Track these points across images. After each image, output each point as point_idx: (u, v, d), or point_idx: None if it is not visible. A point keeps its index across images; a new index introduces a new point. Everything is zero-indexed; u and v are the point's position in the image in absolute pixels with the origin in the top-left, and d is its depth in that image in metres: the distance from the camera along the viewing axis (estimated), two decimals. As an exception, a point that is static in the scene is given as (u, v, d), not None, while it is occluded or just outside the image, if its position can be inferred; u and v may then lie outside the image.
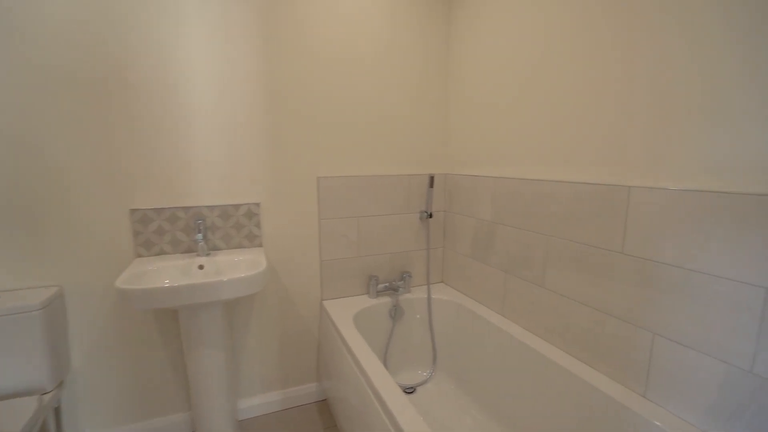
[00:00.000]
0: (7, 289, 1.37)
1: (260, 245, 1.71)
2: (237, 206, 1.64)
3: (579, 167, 1.27)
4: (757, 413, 0.86)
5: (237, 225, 1.66)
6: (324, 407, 1.88)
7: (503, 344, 1.56)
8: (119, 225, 1.49)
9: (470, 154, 1.83)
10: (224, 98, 1.56)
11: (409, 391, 1.82)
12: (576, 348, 1.31)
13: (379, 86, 1.80)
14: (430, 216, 1.91)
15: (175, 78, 1.47)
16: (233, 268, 1.55)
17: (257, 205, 1.68)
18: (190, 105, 1.51)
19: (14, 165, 1.33)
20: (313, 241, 1.81)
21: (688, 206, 0.97)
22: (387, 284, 1.93)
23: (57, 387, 1.40)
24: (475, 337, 1.73)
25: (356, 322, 1.72)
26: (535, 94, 1.43)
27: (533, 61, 1.43)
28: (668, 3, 0.99)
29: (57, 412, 1.49)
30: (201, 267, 1.52)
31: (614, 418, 1.10)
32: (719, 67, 0.90)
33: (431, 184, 1.86)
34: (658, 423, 1.00)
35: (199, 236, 1.53)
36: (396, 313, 1.91)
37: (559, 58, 1.32)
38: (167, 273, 1.45)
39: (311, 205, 1.78)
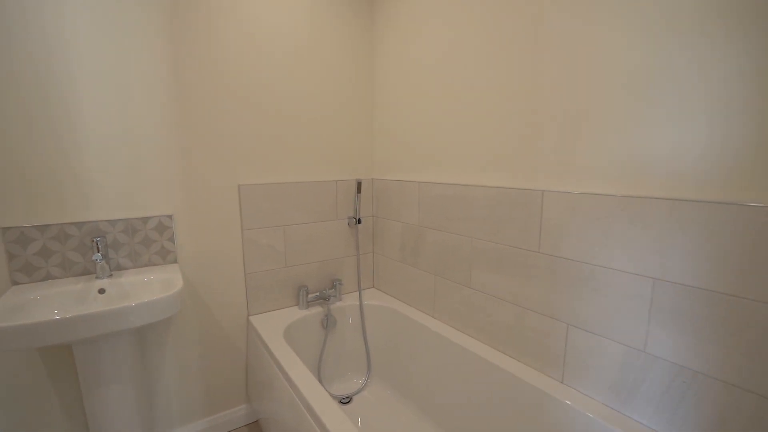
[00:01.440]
0: None
1: (175, 261, 1.54)
2: (145, 219, 1.46)
3: (498, 172, 1.36)
4: (650, 386, 0.99)
5: (146, 240, 1.47)
6: (256, 429, 1.76)
7: (435, 345, 1.60)
8: (-12, 248, 1.23)
9: (396, 160, 1.86)
10: (122, 98, 1.37)
11: (345, 401, 1.78)
12: (502, 343, 1.40)
13: (302, 90, 1.75)
14: (359, 222, 1.90)
15: (60, 73, 1.26)
16: (143, 289, 1.37)
17: (169, 217, 1.51)
18: (78, 105, 1.30)
19: None
20: (236, 254, 1.68)
21: (587, 208, 1.08)
22: (318, 294, 1.87)
23: None
24: (408, 340, 1.76)
25: (287, 335, 1.64)
26: (456, 101, 1.49)
27: (450, 70, 1.50)
28: (571, 14, 1.10)
29: None
30: (102, 291, 1.32)
31: (537, 405, 1.20)
32: (613, 79, 1.02)
33: (359, 190, 1.85)
34: (569, 402, 1.11)
35: (98, 255, 1.32)
36: (328, 322, 1.86)
37: (475, 68, 1.40)
38: (57, 301, 1.23)
39: (232, 215, 1.65)
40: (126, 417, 1.31)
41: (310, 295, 1.85)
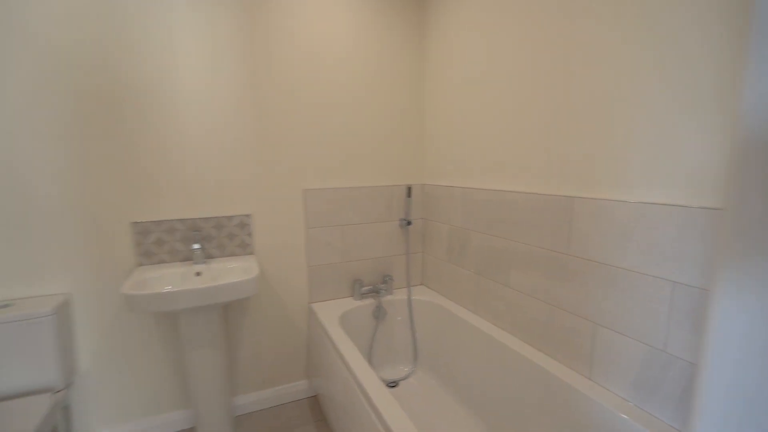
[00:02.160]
0: (22, 297, 1.50)
1: (252, 253, 1.86)
2: (230, 217, 1.79)
3: (533, 179, 1.45)
4: (671, 383, 1.03)
5: (230, 235, 1.81)
6: (314, 403, 2.02)
7: (476, 340, 1.72)
8: (122, 237, 1.63)
9: (443, 167, 2.01)
10: (216, 121, 1.71)
11: (392, 385, 1.97)
12: (536, 340, 1.48)
13: (359, 105, 1.98)
14: (409, 223, 2.07)
15: (171, 97, 1.63)
16: (228, 274, 1.69)
17: (248, 216, 1.83)
18: (185, 126, 1.66)
19: (28, 181, 1.47)
20: (300, 249, 1.96)
21: (612, 214, 1.15)
22: (370, 287, 2.09)
23: (67, 387, 1.53)
24: (452, 334, 1.90)
25: (342, 322, 1.87)
26: (495, 113, 1.61)
27: (491, 84, 1.61)
28: (604, 35, 1.18)
29: (66, 411, 1.62)
30: (198, 274, 1.66)
31: (566, 399, 1.27)
32: (645, 92, 1.08)
33: (409, 194, 2.02)
34: (594, 398, 1.18)
35: (196, 246, 1.67)
36: (379, 313, 2.07)
37: (511, 82, 1.50)
38: (168, 280, 1.59)
39: (298, 215, 1.93)
40: (213, 377, 1.64)
41: (363, 288, 2.07)
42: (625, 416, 1.10)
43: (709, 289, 0.85)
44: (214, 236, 1.78)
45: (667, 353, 1.04)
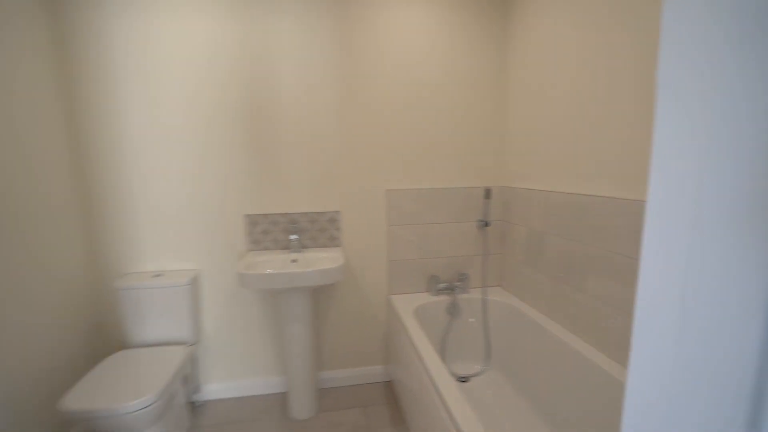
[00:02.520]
0: (169, 270, 1.94)
1: (339, 246, 2.09)
2: (322, 213, 2.04)
3: (613, 183, 1.40)
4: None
5: (321, 228, 2.06)
6: (389, 387, 2.19)
7: (550, 345, 1.70)
8: (237, 226, 1.98)
9: (524, 169, 2.00)
10: (311, 129, 1.97)
11: (462, 380, 2.04)
12: (612, 349, 1.43)
13: (440, 107, 2.07)
14: (487, 225, 2.11)
15: (280, 107, 1.92)
16: (319, 262, 1.94)
17: (337, 212, 2.06)
18: (286, 133, 1.94)
19: (176, 185, 1.89)
20: (381, 244, 2.14)
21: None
22: (446, 284, 2.17)
23: (195, 343, 1.92)
24: (525, 337, 1.89)
25: (417, 315, 2.00)
26: (576, 117, 1.57)
27: (573, 86, 1.58)
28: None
29: (195, 362, 2.03)
30: (294, 261, 1.94)
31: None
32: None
33: (487, 196, 2.06)
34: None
35: (294, 237, 1.96)
36: (453, 310, 2.15)
37: (596, 87, 1.46)
38: (270, 264, 1.89)
39: (380, 213, 2.11)
40: (302, 350, 1.90)
41: (439, 285, 2.17)
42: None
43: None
44: (309, 229, 2.05)
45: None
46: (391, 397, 2.10)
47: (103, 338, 1.96)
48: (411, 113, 2.05)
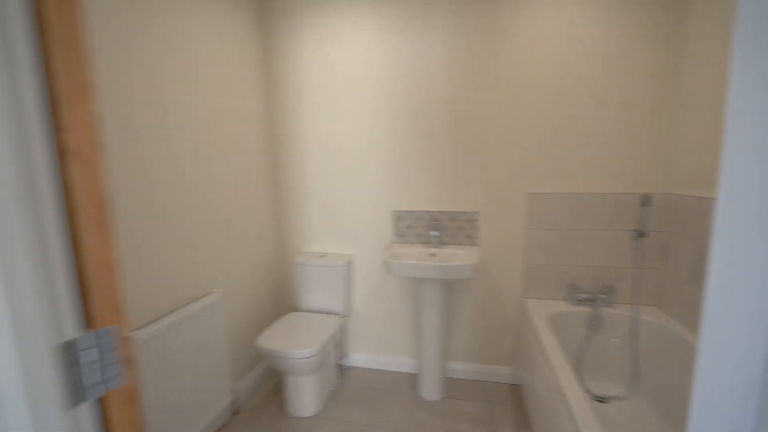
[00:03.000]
0: (330, 252, 2.35)
1: (476, 245, 2.18)
2: (462, 213, 2.17)
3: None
4: None
5: (460, 227, 2.18)
6: (515, 390, 2.19)
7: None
8: (385, 220, 2.27)
9: (697, 176, 1.74)
10: (456, 131, 2.10)
11: (600, 399, 1.90)
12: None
13: (591, 108, 1.96)
14: (642, 235, 1.91)
15: (429, 114, 2.12)
16: (455, 258, 2.08)
17: (476, 213, 2.15)
18: (433, 137, 2.13)
19: (339, 184, 2.28)
20: (518, 247, 2.14)
21: None
22: (588, 295, 2.05)
23: (347, 316, 2.28)
24: (684, 367, 1.67)
25: (552, 322, 1.95)
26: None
27: None
28: None
29: (344, 333, 2.41)
30: (433, 255, 2.12)
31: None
32: None
33: (646, 203, 1.86)
34: None
35: (434, 233, 2.14)
36: (595, 323, 2.01)
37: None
38: (411, 255, 2.12)
39: (519, 216, 2.12)
40: (435, 338, 2.07)
41: (580, 294, 2.06)
42: None
43: None
44: (448, 227, 2.20)
45: None
46: (516, 401, 2.10)
47: (281, 299, 2.50)
48: (557, 115, 2.00)
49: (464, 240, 2.20)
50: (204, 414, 1.76)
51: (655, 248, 2.01)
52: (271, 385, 2.30)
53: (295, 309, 2.44)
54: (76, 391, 0.56)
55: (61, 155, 0.52)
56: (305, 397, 1.96)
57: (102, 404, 0.60)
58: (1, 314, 0.48)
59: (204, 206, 1.83)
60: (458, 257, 2.07)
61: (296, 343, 1.88)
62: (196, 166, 1.77)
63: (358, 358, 2.46)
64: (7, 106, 0.47)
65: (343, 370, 2.42)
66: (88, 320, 0.57)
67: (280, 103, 2.32)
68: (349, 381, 2.31)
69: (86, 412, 0.58)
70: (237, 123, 2.06)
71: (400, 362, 2.40)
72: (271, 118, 2.35)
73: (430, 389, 2.13)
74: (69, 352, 0.55)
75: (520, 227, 2.13)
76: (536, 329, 1.84)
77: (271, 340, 1.90)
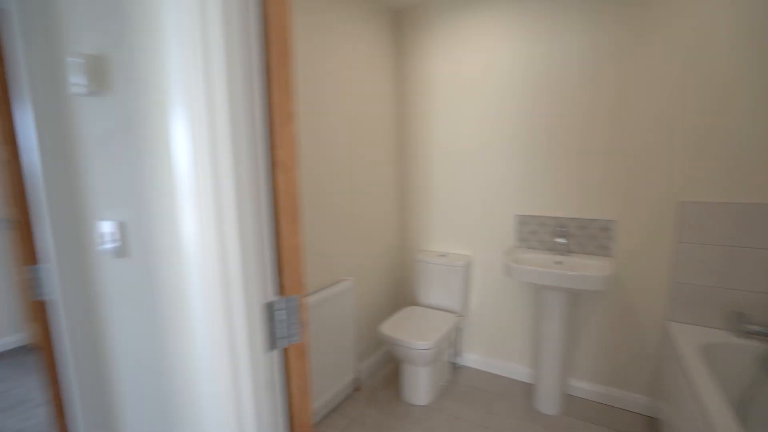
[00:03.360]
0: (449, 252, 2.43)
1: (609, 255, 2.00)
2: (594, 221, 2.01)
3: None
4: None
5: (591, 236, 2.03)
6: (652, 424, 1.94)
7: None
8: (507, 224, 2.24)
9: None
10: (587, 133, 1.95)
11: (771, 455, 1.57)
12: None
13: (763, 104, 1.61)
14: None
15: (557, 117, 2.03)
16: (584, 268, 1.94)
17: (612, 221, 1.97)
18: (562, 141, 2.02)
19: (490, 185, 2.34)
20: (663, 262, 1.89)
21: None
22: (761, 327, 1.70)
23: (462, 315, 2.33)
24: None
25: (706, 354, 1.68)
26: None
27: None
28: None
29: (459, 331, 2.46)
30: (558, 263, 2.02)
31: None
32: None
33: None
34: None
35: (561, 240, 2.03)
36: (768, 363, 1.66)
37: None
38: (535, 261, 2.05)
39: (667, 227, 1.86)
40: (556, 350, 1.97)
41: (748, 326, 1.72)
42: None
43: None
44: (577, 234, 2.07)
45: None
46: (654, 435, 1.86)
47: (401, 292, 2.69)
48: (720, 114, 1.69)
49: (595, 249, 2.03)
50: (333, 384, 2.03)
51: None
52: (389, 369, 2.49)
53: (413, 303, 2.59)
54: (271, 340, 0.75)
55: (273, 165, 0.72)
56: (419, 386, 2.09)
57: (285, 354, 0.79)
58: (236, 278, 0.68)
59: (346, 202, 2.11)
60: (588, 267, 1.93)
61: (416, 334, 2.01)
62: (343, 166, 2.05)
63: (471, 358, 2.48)
64: (249, 129, 0.67)
65: (455, 367, 2.48)
66: (281, 288, 0.76)
67: (409, 106, 2.48)
68: (461, 379, 2.36)
69: (275, 357, 0.77)
70: (370, 125, 2.29)
71: (513, 369, 2.34)
72: (399, 120, 2.53)
73: (547, 402, 2.04)
74: (270, 310, 0.74)
75: (668, 240, 1.87)
76: (684, 359, 1.61)
77: (393, 328, 2.07)
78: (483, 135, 2.25)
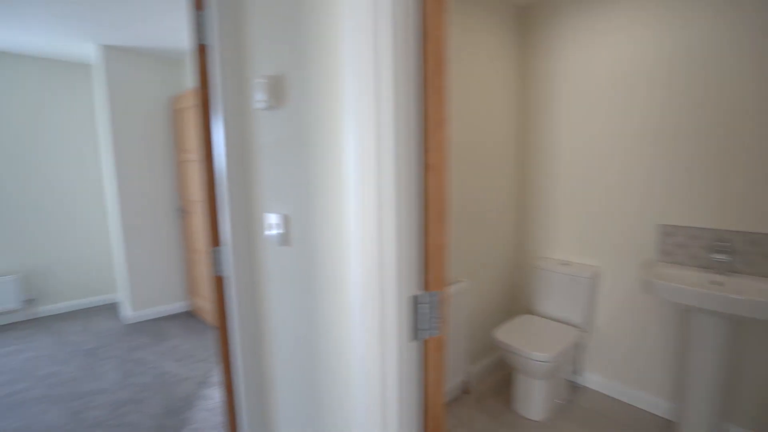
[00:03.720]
0: (573, 261, 2.25)
1: (791, 280, 1.63)
2: (769, 236, 1.66)
3: None
4: None
5: (766, 254, 1.67)
6: None
7: None
8: (647, 234, 1.98)
9: None
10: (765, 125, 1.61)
11: None
12: None
13: None
14: None
15: (711, 115, 1.71)
16: (754, 291, 1.61)
17: (797, 238, 1.60)
18: (714, 139, 1.70)
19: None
20: None
21: None
22: None
23: (585, 331, 2.14)
24: None
25: None
26: None
27: None
28: None
29: (581, 348, 2.27)
30: (716, 283, 1.71)
31: None
32: None
33: None
34: None
35: (720, 257, 1.72)
36: None
37: None
38: (682, 279, 1.78)
39: None
40: (709, 387, 1.67)
41: None
42: None
43: None
44: (745, 251, 1.72)
45: None
46: None
47: (515, 299, 2.58)
48: None
49: (772, 272, 1.67)
50: (445, 382, 2.05)
51: None
52: (499, 376, 2.42)
53: (528, 311, 2.47)
54: (415, 331, 0.81)
55: (426, 168, 0.77)
56: (534, 399, 1.98)
57: (424, 345, 0.84)
58: (390, 270, 0.75)
59: (467, 203, 2.14)
60: (764, 292, 1.60)
61: (534, 344, 1.91)
62: (462, 167, 2.07)
63: (594, 379, 2.26)
64: (407, 135, 0.74)
65: (574, 386, 2.28)
66: (425, 284, 0.81)
67: (532, 104, 2.37)
68: (580, 400, 2.17)
69: (417, 347, 0.83)
70: (492, 126, 2.26)
71: (647, 399, 2.06)
72: (522, 120, 2.43)
73: (694, 445, 1.75)
74: (415, 303, 0.80)
75: None
76: None
77: (509, 335, 2.00)
78: (619, 134, 2.02)
